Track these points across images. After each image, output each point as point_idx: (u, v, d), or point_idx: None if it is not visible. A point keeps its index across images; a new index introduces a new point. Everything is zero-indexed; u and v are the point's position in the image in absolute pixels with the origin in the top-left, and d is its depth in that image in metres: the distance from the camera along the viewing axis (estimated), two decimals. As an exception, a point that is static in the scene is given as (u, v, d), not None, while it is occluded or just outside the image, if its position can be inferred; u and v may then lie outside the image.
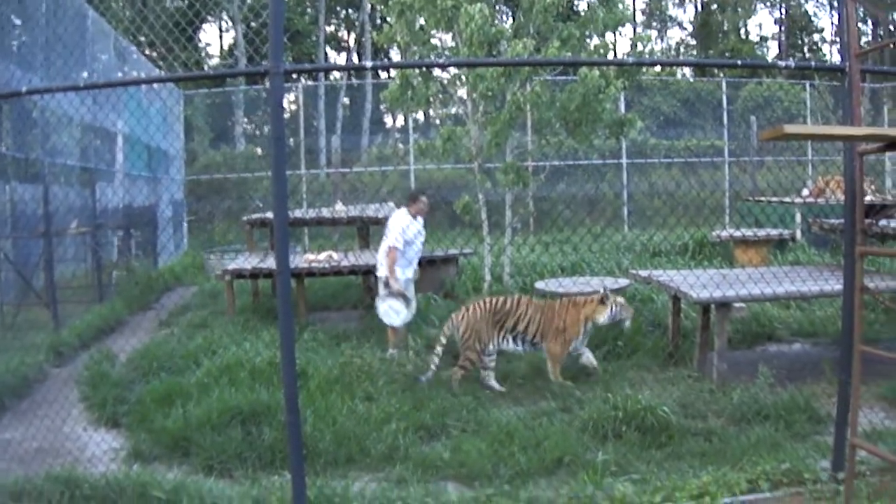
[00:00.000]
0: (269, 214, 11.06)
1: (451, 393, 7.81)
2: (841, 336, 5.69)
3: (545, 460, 6.09)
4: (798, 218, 16.65)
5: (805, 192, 17.71)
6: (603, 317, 8.39)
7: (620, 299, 8.64)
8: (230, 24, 29.26)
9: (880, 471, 5.62)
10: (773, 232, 15.50)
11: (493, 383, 8.35)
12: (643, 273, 9.95)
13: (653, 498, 5.23)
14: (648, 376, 8.39)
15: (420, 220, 9.95)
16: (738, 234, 15.66)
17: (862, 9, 24.02)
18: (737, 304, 8.28)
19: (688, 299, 8.53)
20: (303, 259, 11.39)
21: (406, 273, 9.72)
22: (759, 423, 6.86)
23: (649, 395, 7.23)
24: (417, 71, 11.62)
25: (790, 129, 4.25)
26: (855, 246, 5.23)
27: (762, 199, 18.65)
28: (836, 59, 28.50)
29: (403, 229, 9.61)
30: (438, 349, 8.42)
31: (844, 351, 5.50)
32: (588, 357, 8.53)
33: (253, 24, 25.44)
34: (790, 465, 5.70)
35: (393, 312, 9.16)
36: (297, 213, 14.48)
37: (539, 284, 10.65)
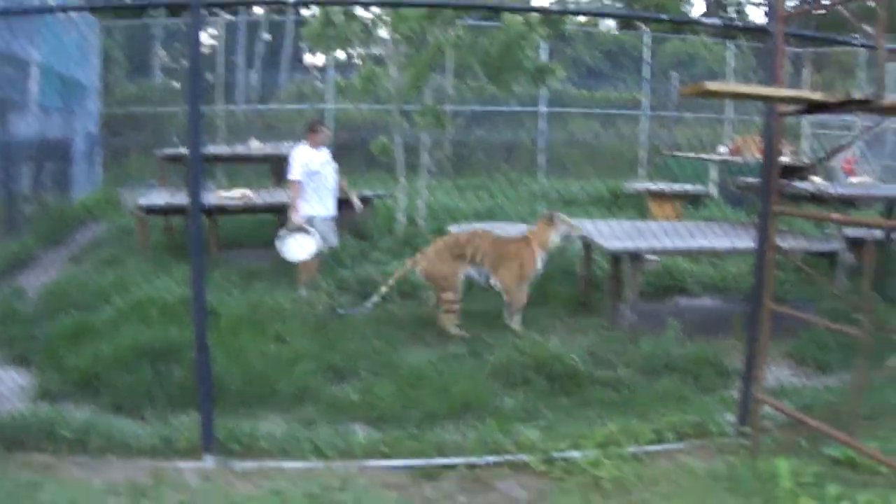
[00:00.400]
0: (184, 150, 10.85)
1: (361, 335, 7.75)
2: (751, 293, 5.80)
3: (454, 404, 6.12)
4: (714, 174, 16.90)
5: (722, 149, 17.95)
6: (555, 238, 8.52)
7: (563, 216, 8.73)
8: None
9: (784, 426, 5.77)
10: (689, 187, 15.73)
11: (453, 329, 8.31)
12: (556, 220, 9.96)
13: (559, 445, 5.29)
14: (559, 324, 8.49)
15: (325, 150, 9.88)
16: (653, 187, 15.86)
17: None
18: (649, 257, 8.34)
19: (600, 249, 8.63)
20: (216, 196, 11.23)
21: (318, 208, 9.67)
22: (667, 375, 6.96)
23: (559, 343, 7.35)
24: (340, 9, 11.43)
25: (712, 85, 4.32)
26: (770, 205, 5.35)
27: (679, 154, 18.88)
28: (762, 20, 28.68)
29: (306, 163, 9.55)
30: (383, 289, 8.40)
31: (753, 308, 5.65)
32: None
33: (176, -46, 24.74)
34: (697, 417, 5.82)
35: (297, 247, 9.13)
36: (212, 149, 14.22)
37: (452, 228, 10.63)
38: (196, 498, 4.75)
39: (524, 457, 5.20)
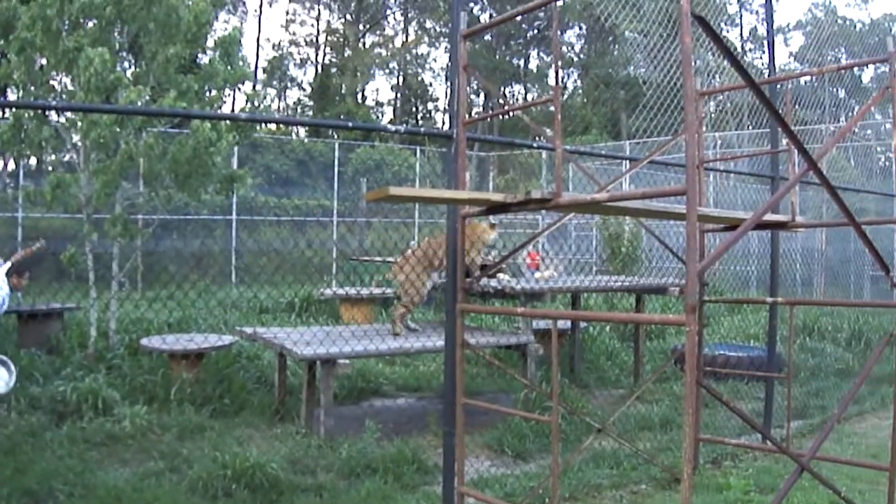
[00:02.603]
0: None
1: (56, 455, 7.34)
2: (444, 389, 5.91)
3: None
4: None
5: (409, 252, 18.58)
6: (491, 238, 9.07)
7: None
8: None
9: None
10: (378, 290, 16.16)
11: (411, 324, 9.47)
12: (248, 330, 9.94)
13: None
14: (256, 434, 8.40)
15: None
16: (343, 292, 16.19)
17: (475, 80, 25.68)
18: (342, 361, 8.44)
19: (293, 356, 8.64)
20: None
21: None
22: (369, 476, 7.04)
23: (258, 453, 7.27)
24: (32, 113, 11.04)
25: (395, 190, 4.42)
26: (456, 303, 5.54)
27: (367, 258, 19.37)
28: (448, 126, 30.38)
29: None
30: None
31: (448, 404, 5.76)
32: None
33: None
34: None
35: None
36: None
37: (144, 341, 10.37)
38: None
39: None
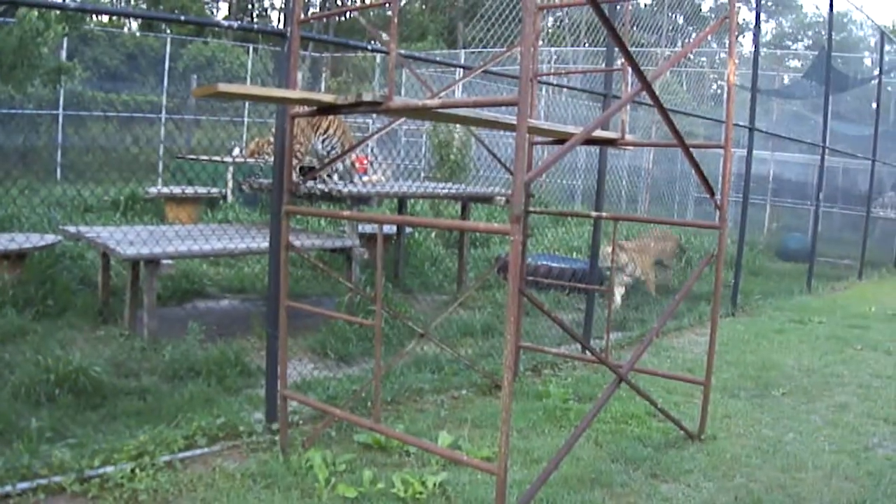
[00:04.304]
0: None
1: None
2: (268, 292, 5.89)
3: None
4: (229, 177, 17.18)
5: (236, 151, 18.27)
6: None
7: None
8: None
9: (312, 419, 6.07)
10: (203, 190, 15.86)
11: None
12: (71, 229, 9.53)
13: (92, 462, 5.09)
14: (80, 336, 8.10)
15: None
16: (168, 190, 15.82)
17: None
18: (166, 261, 8.19)
19: (116, 256, 8.36)
20: None
21: None
22: (192, 379, 6.95)
23: (81, 356, 7.08)
24: None
25: (223, 87, 4.28)
26: (282, 205, 5.48)
27: (194, 157, 18.95)
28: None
29: None
30: None
31: (271, 306, 5.76)
32: None
33: None
34: (225, 419, 5.86)
35: None
36: None
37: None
38: None
39: (57, 478, 4.96)
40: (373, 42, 6.93)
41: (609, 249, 9.09)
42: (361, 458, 5.49)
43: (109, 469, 5.06)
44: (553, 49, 26.38)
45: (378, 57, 24.56)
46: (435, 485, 5.00)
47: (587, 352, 6.94)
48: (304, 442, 5.66)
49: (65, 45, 19.13)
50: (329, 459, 5.28)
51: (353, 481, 5.02)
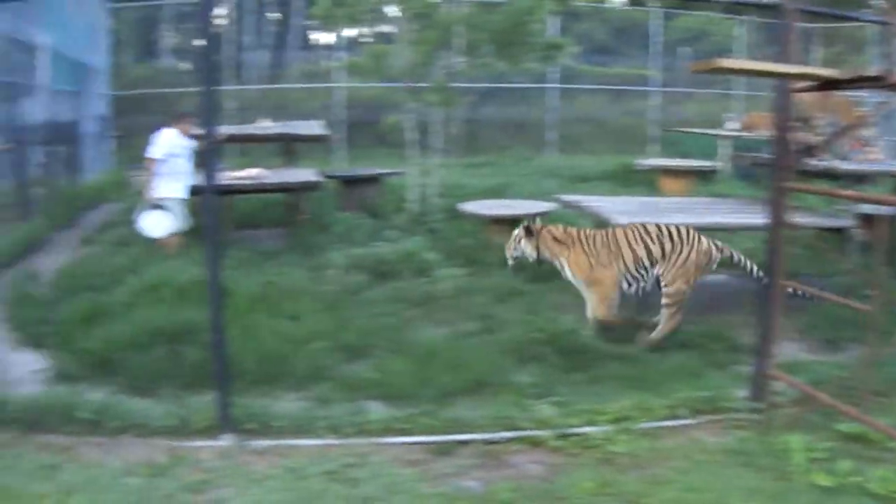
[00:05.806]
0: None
1: (374, 313, 7.77)
2: (764, 269, 5.77)
3: (468, 381, 6.14)
4: (722, 150, 16.81)
5: (730, 124, 17.86)
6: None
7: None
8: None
9: (796, 402, 5.76)
10: (695, 163, 15.67)
11: None
12: (567, 198, 9.93)
13: (573, 420, 5.31)
14: (570, 299, 8.47)
15: (187, 139, 9.95)
16: (664, 163, 15.81)
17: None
18: None
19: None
20: (228, 176, 11.19)
21: (172, 190, 9.73)
22: (679, 351, 6.98)
23: (571, 319, 7.35)
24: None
25: (725, 62, 4.27)
26: (781, 181, 5.31)
27: (689, 130, 18.80)
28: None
29: (169, 146, 9.72)
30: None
31: (767, 284, 5.63)
32: None
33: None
34: (709, 393, 5.80)
35: (155, 224, 9.44)
36: (225, 130, 14.17)
37: (463, 206, 10.66)
38: (213, 476, 4.77)
39: (539, 432, 5.21)
40: (869, 11, 6.31)
41: None
42: (841, 447, 5.12)
43: (589, 429, 5.23)
44: None
45: (873, 27, 22.75)
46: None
47: None
48: (786, 424, 5.40)
49: (557, 22, 19.79)
50: (808, 445, 5.00)
51: (830, 470, 4.72)
